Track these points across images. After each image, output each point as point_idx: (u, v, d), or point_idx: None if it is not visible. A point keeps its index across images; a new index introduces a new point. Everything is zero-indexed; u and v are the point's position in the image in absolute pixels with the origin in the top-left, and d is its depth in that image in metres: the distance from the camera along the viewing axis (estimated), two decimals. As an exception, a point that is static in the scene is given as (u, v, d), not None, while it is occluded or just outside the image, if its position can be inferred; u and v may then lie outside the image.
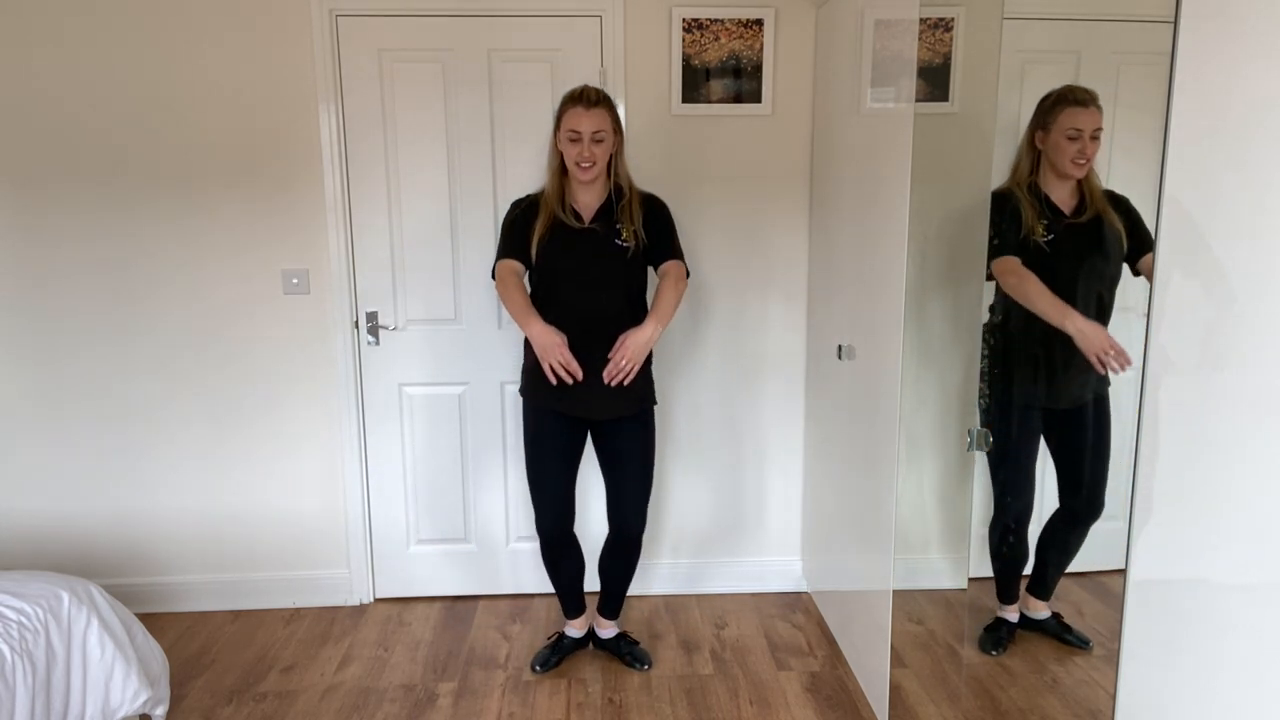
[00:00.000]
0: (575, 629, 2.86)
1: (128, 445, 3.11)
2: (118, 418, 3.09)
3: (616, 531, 2.69)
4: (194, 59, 2.90)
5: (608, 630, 2.86)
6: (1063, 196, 2.25)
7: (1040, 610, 2.57)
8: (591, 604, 2.89)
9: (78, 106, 2.90)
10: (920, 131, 2.10)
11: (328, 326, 3.08)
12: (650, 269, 2.59)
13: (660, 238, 2.54)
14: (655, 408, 2.66)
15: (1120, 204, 2.16)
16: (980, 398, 2.47)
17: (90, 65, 2.88)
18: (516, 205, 2.58)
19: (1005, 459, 2.43)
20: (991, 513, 2.56)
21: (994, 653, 2.53)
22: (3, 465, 3.09)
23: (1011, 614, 2.56)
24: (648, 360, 2.57)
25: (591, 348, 2.45)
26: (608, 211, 2.49)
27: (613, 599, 2.82)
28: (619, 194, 2.51)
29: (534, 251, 2.46)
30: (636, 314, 2.53)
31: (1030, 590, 2.63)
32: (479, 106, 2.97)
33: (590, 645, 2.90)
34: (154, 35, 2.88)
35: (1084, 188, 2.24)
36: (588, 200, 2.50)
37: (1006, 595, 2.54)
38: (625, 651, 2.82)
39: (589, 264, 2.46)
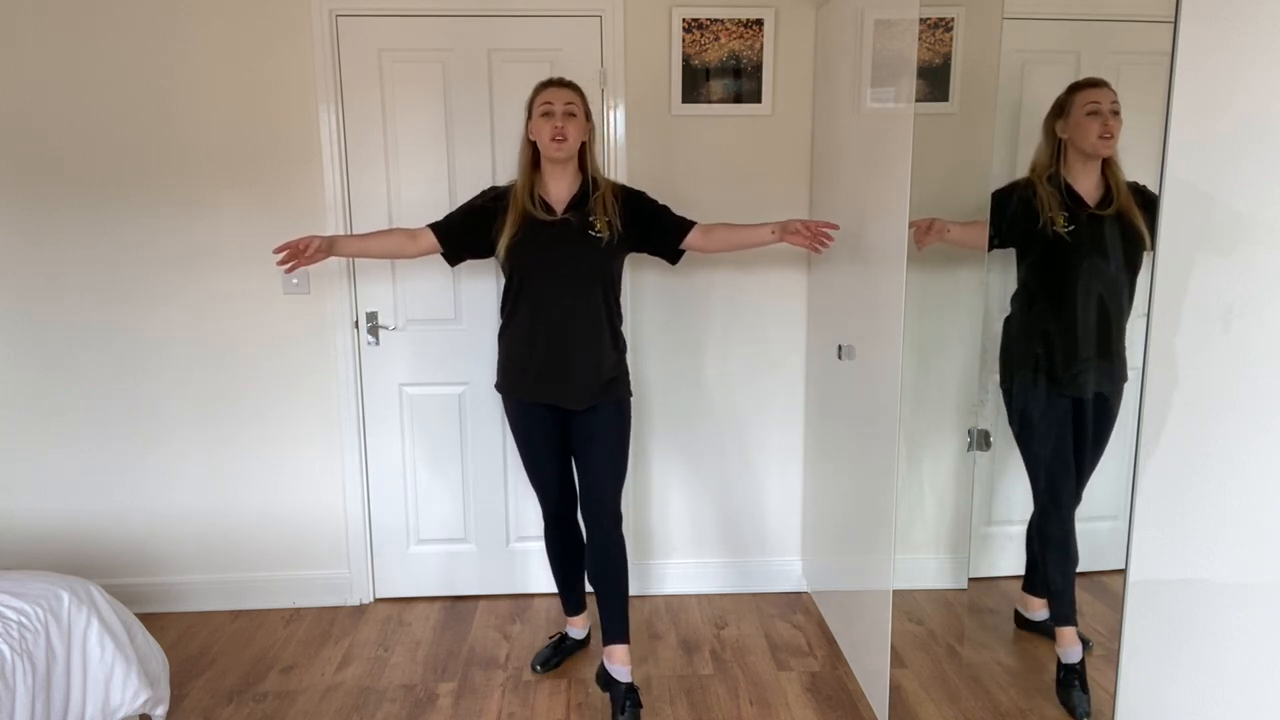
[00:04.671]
0: (577, 629, 2.85)
1: (128, 445, 3.11)
2: (118, 418, 3.09)
3: (590, 516, 2.52)
4: (194, 59, 2.90)
5: (620, 669, 2.51)
6: (1087, 187, 2.24)
7: (1039, 610, 2.56)
8: (592, 608, 2.88)
9: (77, 107, 2.90)
10: (920, 131, 2.10)
11: (328, 326, 3.08)
12: (627, 259, 2.59)
13: (661, 218, 2.55)
14: (632, 400, 2.59)
15: (1143, 195, 2.15)
16: (1005, 394, 2.45)
17: (89, 66, 2.88)
18: (488, 192, 2.56)
19: (1043, 453, 2.39)
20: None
21: (1083, 717, 2.31)
22: (3, 465, 3.09)
23: (1073, 652, 2.34)
24: (622, 351, 2.55)
25: (565, 342, 2.45)
26: (581, 203, 2.47)
27: (612, 611, 2.53)
28: (592, 186, 2.49)
29: (504, 249, 2.44)
30: (611, 309, 2.50)
31: (1027, 589, 2.62)
32: (479, 106, 2.97)
33: (588, 644, 2.89)
34: (154, 35, 2.88)
35: (1109, 179, 2.23)
36: (559, 192, 2.47)
37: (1062, 614, 2.36)
38: (624, 705, 2.47)
39: (561, 256, 2.42)
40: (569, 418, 2.54)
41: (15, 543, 3.13)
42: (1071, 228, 2.22)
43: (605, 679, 2.57)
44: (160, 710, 2.30)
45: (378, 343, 3.11)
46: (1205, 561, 1.43)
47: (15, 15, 2.84)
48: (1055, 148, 2.26)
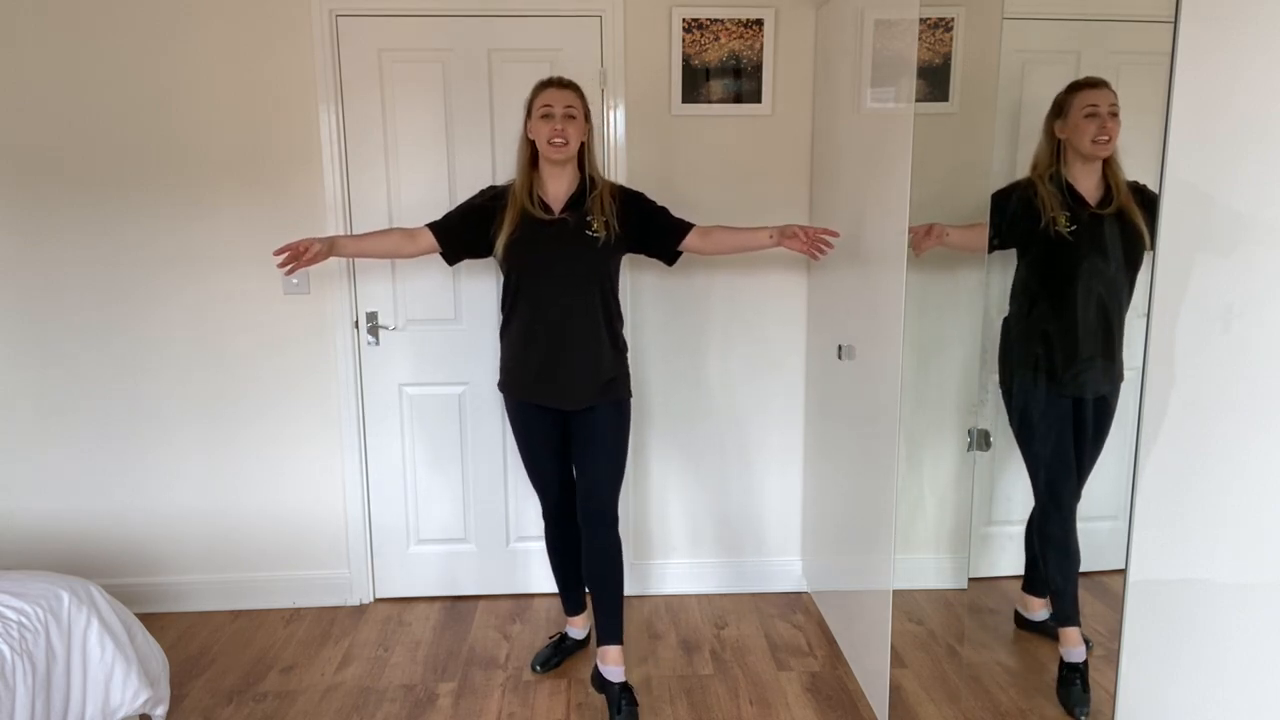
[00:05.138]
0: (576, 629, 2.85)
1: (128, 445, 3.11)
2: (118, 418, 3.09)
3: (586, 516, 2.51)
4: (194, 59, 2.90)
5: (614, 670, 2.53)
6: (1088, 187, 2.24)
7: (1039, 610, 2.56)
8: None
9: (77, 107, 2.90)
10: (920, 131, 2.11)
11: (328, 326, 3.08)
12: (625, 260, 2.60)
13: (658, 219, 2.55)
14: (632, 400, 2.59)
15: (1143, 195, 2.15)
16: (1005, 394, 2.45)
17: (89, 65, 2.88)
18: (486, 191, 2.57)
19: (1043, 453, 2.39)
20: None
21: (1081, 715, 2.32)
22: (3, 465, 3.09)
23: (1077, 652, 2.36)
24: (622, 351, 2.55)
25: (563, 341, 2.45)
26: (579, 202, 2.47)
27: (606, 611, 2.54)
28: (590, 186, 2.49)
29: (501, 248, 2.45)
30: (609, 307, 2.50)
31: (1027, 589, 2.62)
32: (479, 106, 2.97)
33: (588, 644, 2.89)
34: (154, 35, 2.88)
35: (1109, 178, 2.23)
36: (557, 191, 2.47)
37: (1064, 614, 2.36)
38: (620, 705, 2.49)
39: (559, 255, 2.43)
40: (569, 417, 2.54)
41: (15, 543, 3.13)
42: (1073, 227, 2.22)
43: (599, 681, 2.58)
44: (160, 710, 2.30)
45: (378, 343, 3.11)
46: (1205, 561, 1.43)
47: (15, 15, 2.84)
48: (1055, 147, 2.26)
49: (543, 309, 2.44)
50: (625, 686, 2.52)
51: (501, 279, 3.08)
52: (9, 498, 3.11)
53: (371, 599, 3.27)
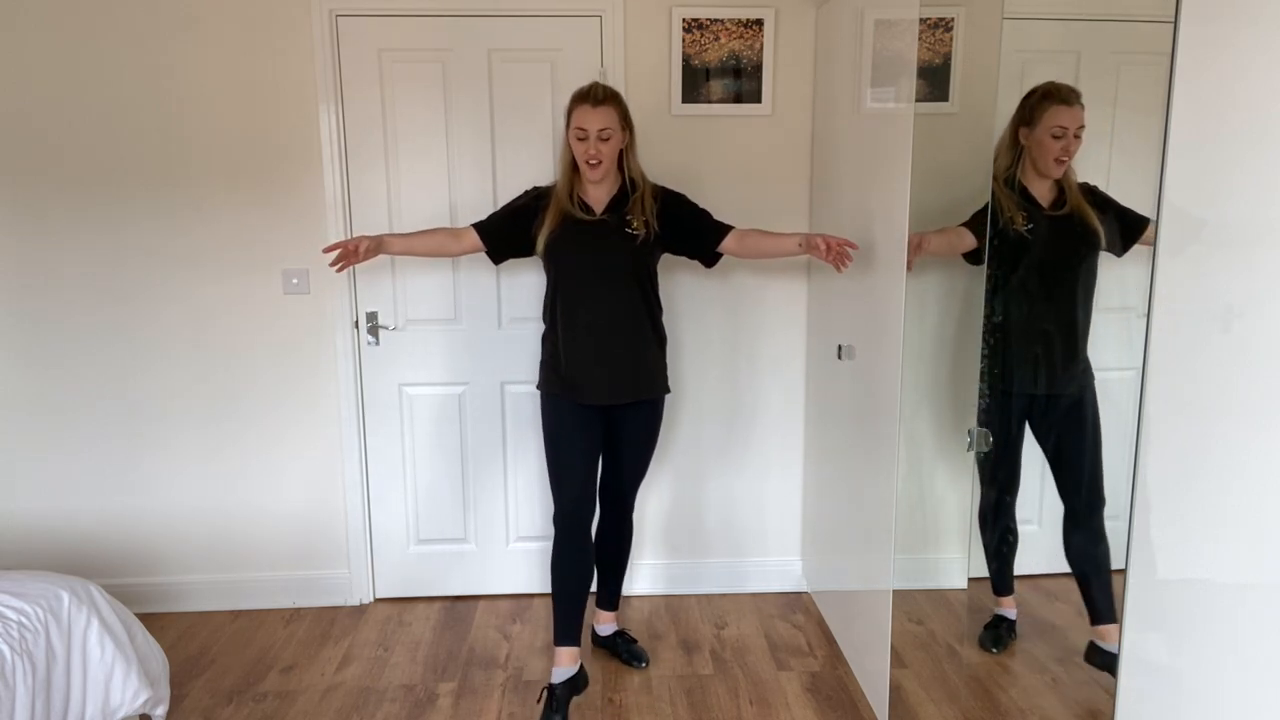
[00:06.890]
0: (564, 668, 2.52)
1: (128, 445, 3.11)
2: (118, 418, 3.09)
3: (608, 505, 2.73)
4: (194, 59, 2.90)
5: (606, 626, 2.86)
6: (1041, 190, 2.28)
7: (1111, 641, 2.36)
8: (591, 605, 2.89)
9: (77, 107, 2.90)
10: (920, 131, 2.10)
11: (328, 326, 3.08)
12: (664, 262, 2.62)
13: (698, 221, 2.58)
14: (667, 397, 2.67)
15: (1094, 196, 2.18)
16: (980, 397, 2.47)
17: (89, 66, 2.88)
18: (530, 192, 2.61)
19: (998, 448, 2.43)
20: (978, 505, 2.57)
21: (994, 650, 2.52)
22: (3, 465, 3.09)
23: (1009, 610, 2.54)
24: (662, 347, 2.60)
25: (605, 338, 2.46)
26: (620, 204, 2.51)
27: (608, 585, 2.82)
28: (632, 188, 2.52)
29: (542, 246, 2.49)
30: (651, 304, 2.54)
31: (1095, 621, 2.45)
32: (479, 106, 2.97)
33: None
34: (154, 36, 2.88)
35: (1061, 181, 2.26)
36: (598, 195, 2.51)
37: (1001, 588, 2.54)
38: (623, 649, 2.82)
39: (599, 253, 2.47)
40: (607, 414, 2.57)
41: (15, 543, 3.13)
42: (1030, 226, 2.25)
43: (597, 639, 2.89)
44: (160, 710, 2.30)
45: (378, 343, 3.11)
46: (1205, 561, 1.43)
47: (15, 15, 2.84)
48: (1016, 152, 2.27)
49: (585, 306, 2.47)
50: (620, 632, 2.87)
51: (500, 279, 3.09)
52: (9, 498, 3.11)
53: (371, 599, 3.27)
